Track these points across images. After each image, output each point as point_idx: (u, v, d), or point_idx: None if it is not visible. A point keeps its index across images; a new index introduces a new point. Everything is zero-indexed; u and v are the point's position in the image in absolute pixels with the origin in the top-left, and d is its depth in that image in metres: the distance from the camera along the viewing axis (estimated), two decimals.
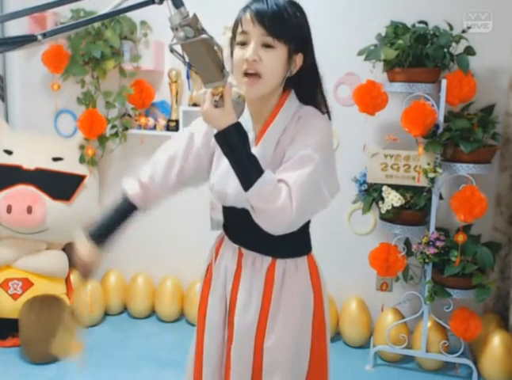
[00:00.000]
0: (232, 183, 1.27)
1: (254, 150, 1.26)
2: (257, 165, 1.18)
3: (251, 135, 1.30)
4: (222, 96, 1.17)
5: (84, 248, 1.36)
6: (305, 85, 1.33)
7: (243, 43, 1.24)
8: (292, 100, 1.33)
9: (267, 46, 1.22)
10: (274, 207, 1.15)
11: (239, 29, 1.24)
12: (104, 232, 1.38)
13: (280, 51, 1.23)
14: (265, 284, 1.35)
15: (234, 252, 1.41)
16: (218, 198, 1.38)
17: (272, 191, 1.15)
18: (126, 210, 1.40)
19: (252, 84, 1.24)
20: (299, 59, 1.28)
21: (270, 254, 1.35)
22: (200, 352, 1.47)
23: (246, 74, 1.23)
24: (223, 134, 1.17)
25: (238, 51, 1.25)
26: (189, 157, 1.39)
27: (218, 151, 1.36)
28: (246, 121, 1.31)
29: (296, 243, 1.37)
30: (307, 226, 1.38)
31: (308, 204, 1.21)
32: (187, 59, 1.14)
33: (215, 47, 1.11)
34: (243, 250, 1.39)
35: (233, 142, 1.17)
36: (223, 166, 1.34)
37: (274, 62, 1.23)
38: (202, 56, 1.10)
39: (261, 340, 1.35)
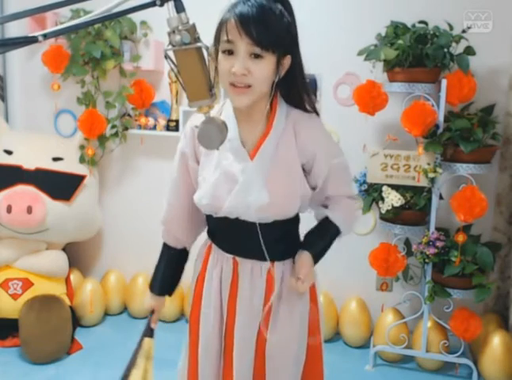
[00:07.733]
0: (227, 197, 1.25)
1: (250, 165, 1.24)
2: (328, 232, 1.39)
3: (236, 144, 1.26)
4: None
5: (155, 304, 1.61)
6: (292, 86, 1.28)
7: (230, 52, 1.18)
8: (281, 103, 1.30)
9: (255, 56, 1.17)
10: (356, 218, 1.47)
11: (224, 37, 1.17)
12: (169, 284, 1.57)
13: (269, 59, 1.18)
14: (266, 288, 1.33)
15: (227, 262, 1.36)
16: (208, 210, 1.33)
17: (353, 218, 1.44)
18: (178, 258, 1.51)
19: (240, 94, 1.20)
20: (287, 61, 1.24)
21: (269, 259, 1.31)
22: (194, 363, 1.45)
23: (235, 85, 1.19)
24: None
25: (224, 60, 1.19)
26: (191, 181, 1.38)
27: (202, 159, 1.32)
28: (231, 129, 1.24)
29: (291, 243, 1.35)
30: (298, 226, 1.41)
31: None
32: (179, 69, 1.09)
33: (208, 61, 1.08)
34: (238, 259, 1.35)
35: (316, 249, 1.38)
36: (209, 178, 1.29)
37: (263, 71, 1.18)
38: (194, 67, 1.06)
39: (263, 347, 1.34)
